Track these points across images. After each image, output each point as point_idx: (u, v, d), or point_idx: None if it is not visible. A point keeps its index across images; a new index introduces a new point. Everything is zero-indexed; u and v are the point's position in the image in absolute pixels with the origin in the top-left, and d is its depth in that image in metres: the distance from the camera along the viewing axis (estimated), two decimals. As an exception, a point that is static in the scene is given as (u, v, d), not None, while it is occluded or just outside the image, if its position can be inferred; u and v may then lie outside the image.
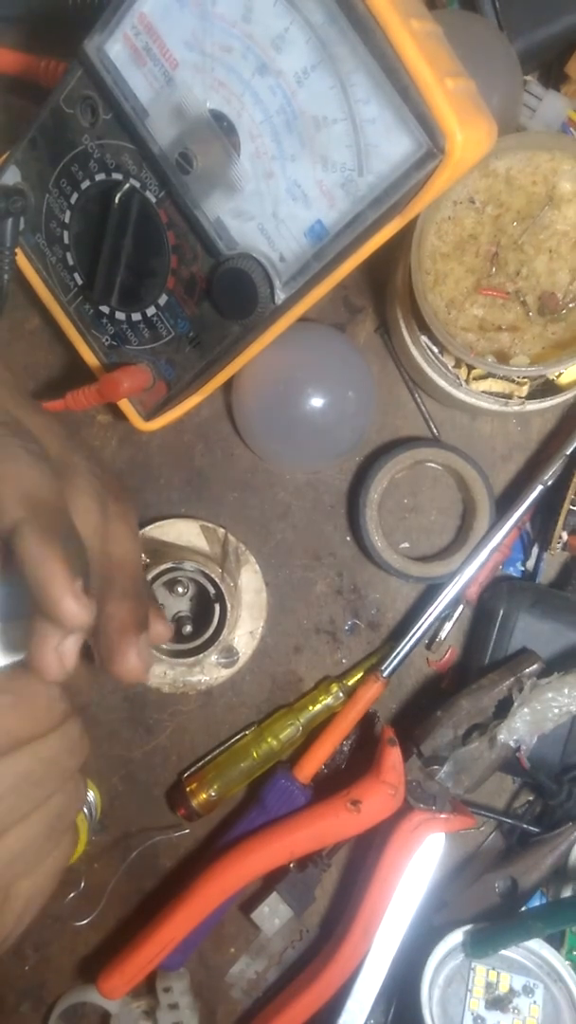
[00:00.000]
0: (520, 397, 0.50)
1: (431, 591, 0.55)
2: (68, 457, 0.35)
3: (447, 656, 0.56)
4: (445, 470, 0.55)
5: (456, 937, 0.51)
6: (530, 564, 0.55)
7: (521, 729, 0.49)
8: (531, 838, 0.53)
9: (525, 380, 0.50)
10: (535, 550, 0.55)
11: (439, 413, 0.55)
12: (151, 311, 0.48)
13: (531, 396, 0.50)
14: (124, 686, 0.31)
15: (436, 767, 0.51)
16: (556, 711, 0.49)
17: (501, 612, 0.52)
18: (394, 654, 0.53)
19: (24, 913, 0.34)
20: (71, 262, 0.49)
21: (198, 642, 0.49)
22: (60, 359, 0.55)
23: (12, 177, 0.48)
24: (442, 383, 0.51)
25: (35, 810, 0.33)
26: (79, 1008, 0.56)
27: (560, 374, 0.50)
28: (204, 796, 0.53)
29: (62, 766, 0.33)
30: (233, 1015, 0.56)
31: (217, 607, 0.49)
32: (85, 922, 0.56)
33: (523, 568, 0.55)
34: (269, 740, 0.54)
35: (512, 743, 0.50)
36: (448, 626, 0.55)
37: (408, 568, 0.53)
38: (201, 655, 0.49)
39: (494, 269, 0.49)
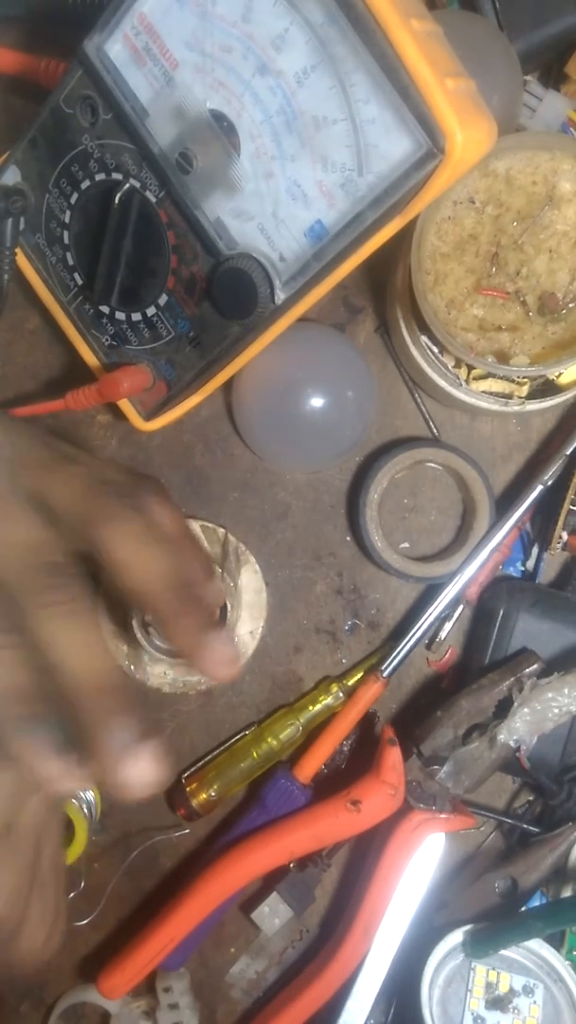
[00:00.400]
0: (520, 397, 0.50)
1: (431, 591, 0.55)
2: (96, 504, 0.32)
3: (447, 656, 0.56)
4: (445, 470, 0.55)
5: (456, 937, 0.51)
6: (530, 564, 0.55)
7: (521, 729, 0.49)
8: (531, 838, 0.53)
9: (525, 380, 0.50)
10: (535, 550, 0.55)
11: (439, 413, 0.55)
12: (151, 311, 0.48)
13: (531, 396, 0.50)
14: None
15: (436, 767, 0.51)
16: (556, 711, 0.49)
17: (501, 612, 0.52)
18: (394, 654, 0.53)
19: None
20: (71, 262, 0.49)
21: (198, 642, 0.49)
22: (60, 359, 0.55)
23: (12, 177, 0.48)
24: (442, 383, 0.51)
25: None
26: (79, 1008, 0.56)
27: (560, 374, 0.50)
28: (204, 796, 0.53)
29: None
30: (233, 1015, 0.56)
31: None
32: (85, 922, 0.56)
33: (523, 568, 0.55)
34: (269, 740, 0.54)
35: (512, 743, 0.50)
36: (448, 626, 0.55)
37: (408, 568, 0.53)
38: (201, 655, 0.48)
39: (494, 269, 0.49)
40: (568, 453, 0.52)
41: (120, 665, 0.54)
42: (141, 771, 0.28)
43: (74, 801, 0.53)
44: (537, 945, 0.51)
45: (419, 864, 0.51)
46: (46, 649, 0.28)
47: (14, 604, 0.28)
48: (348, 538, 0.56)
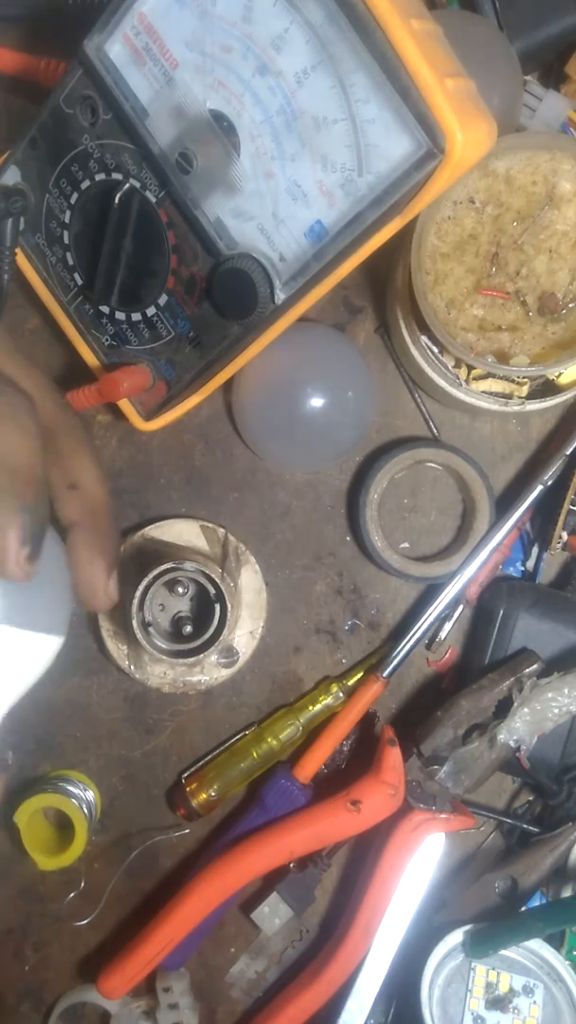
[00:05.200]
0: (520, 397, 0.50)
1: (431, 591, 0.55)
2: (61, 416, 0.38)
3: (447, 656, 0.56)
4: (445, 470, 0.55)
5: (456, 937, 0.51)
6: (530, 564, 0.55)
7: (521, 729, 0.49)
8: (531, 838, 0.53)
9: (525, 380, 0.50)
10: (535, 550, 0.55)
11: (439, 413, 0.55)
12: (151, 311, 0.48)
13: (531, 396, 0.50)
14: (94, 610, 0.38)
15: (436, 767, 0.51)
16: (556, 711, 0.49)
17: (501, 612, 0.52)
18: (394, 654, 0.53)
19: None
20: (71, 262, 0.49)
21: (198, 642, 0.49)
22: (60, 359, 0.55)
23: (12, 177, 0.48)
24: (442, 383, 0.51)
25: None
26: (79, 1008, 0.56)
27: (560, 374, 0.50)
28: (204, 796, 0.53)
29: None
30: (233, 1015, 0.56)
31: (217, 607, 0.49)
32: (85, 922, 0.56)
33: (523, 568, 0.55)
34: (269, 740, 0.54)
35: (512, 743, 0.50)
36: (448, 626, 0.55)
37: (408, 568, 0.53)
38: (201, 655, 0.48)
39: (494, 269, 0.49)
40: (568, 453, 0.52)
41: (122, 666, 0.54)
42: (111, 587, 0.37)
43: (74, 801, 0.53)
44: (537, 945, 0.51)
45: (419, 864, 0.51)
46: (71, 468, 0.38)
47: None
48: (348, 538, 0.56)
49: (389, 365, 0.55)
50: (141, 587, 0.48)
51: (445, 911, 0.53)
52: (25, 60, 0.52)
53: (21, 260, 0.50)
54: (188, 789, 0.54)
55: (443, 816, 0.51)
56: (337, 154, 0.40)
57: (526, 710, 0.49)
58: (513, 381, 0.50)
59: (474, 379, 0.50)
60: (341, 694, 0.54)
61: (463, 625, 0.56)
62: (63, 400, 0.40)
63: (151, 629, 0.49)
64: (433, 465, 0.55)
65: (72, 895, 0.55)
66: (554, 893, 0.53)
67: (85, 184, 0.46)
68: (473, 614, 0.55)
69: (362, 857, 0.54)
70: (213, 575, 0.48)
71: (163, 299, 0.47)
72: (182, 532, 0.54)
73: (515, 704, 0.50)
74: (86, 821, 0.53)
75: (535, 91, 0.52)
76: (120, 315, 0.49)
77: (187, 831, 0.56)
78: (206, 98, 0.42)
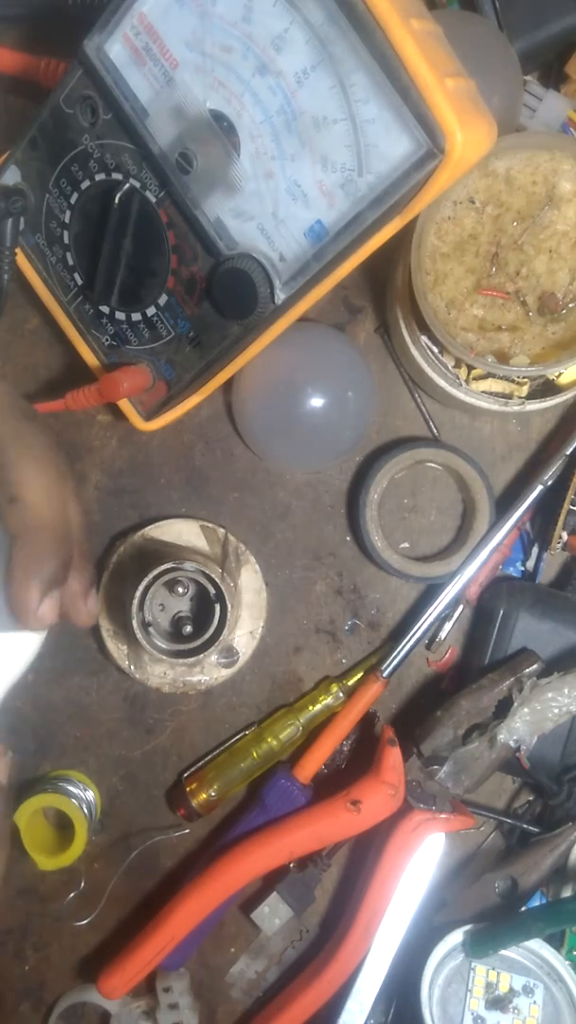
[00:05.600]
0: (520, 397, 0.50)
1: (431, 591, 0.55)
2: (9, 425, 0.38)
3: (447, 656, 0.56)
4: (445, 470, 0.55)
5: (456, 937, 0.51)
6: (530, 564, 0.55)
7: (521, 729, 0.49)
8: (531, 838, 0.53)
9: (525, 380, 0.50)
10: (535, 550, 0.55)
11: (439, 413, 0.55)
12: (151, 311, 0.48)
13: (531, 396, 0.50)
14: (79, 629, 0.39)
15: (436, 767, 0.51)
16: (556, 711, 0.49)
17: (501, 612, 0.52)
18: (394, 654, 0.53)
19: None
20: (71, 262, 0.49)
21: (198, 642, 0.49)
22: (60, 359, 0.55)
23: (12, 177, 0.48)
24: (442, 383, 0.51)
25: None
26: (79, 1008, 0.56)
27: (560, 374, 0.50)
28: (204, 796, 0.53)
29: None
30: (233, 1015, 0.56)
31: (217, 607, 0.49)
32: (85, 922, 0.56)
33: (523, 568, 0.55)
34: (269, 740, 0.54)
35: (512, 743, 0.50)
36: (448, 626, 0.55)
37: (408, 568, 0.53)
38: (201, 655, 0.48)
39: (494, 269, 0.49)
40: (568, 453, 0.52)
41: (121, 666, 0.54)
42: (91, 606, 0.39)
43: (74, 801, 0.53)
44: (537, 945, 0.51)
45: (419, 864, 0.51)
46: (12, 479, 0.37)
47: None
48: (348, 538, 0.56)
49: (389, 365, 0.55)
50: (141, 587, 0.48)
51: (445, 911, 0.53)
52: (25, 60, 0.52)
53: (21, 260, 0.50)
54: (188, 789, 0.54)
55: (443, 816, 0.51)
56: (337, 154, 0.40)
57: (526, 710, 0.49)
58: (513, 381, 0.50)
59: (474, 379, 0.50)
60: (341, 694, 0.54)
61: (463, 625, 0.56)
62: (10, 401, 0.38)
63: (151, 629, 0.49)
64: (433, 465, 0.55)
65: (72, 895, 0.55)
66: (554, 893, 0.53)
67: (85, 184, 0.46)
68: (473, 614, 0.55)
69: (362, 857, 0.54)
70: (213, 575, 0.48)
71: (163, 299, 0.47)
72: (182, 532, 0.54)
73: (515, 704, 0.50)
74: (86, 821, 0.53)
75: (535, 91, 0.52)
76: (120, 315, 0.49)
77: (187, 831, 0.56)
78: (206, 98, 0.42)
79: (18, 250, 0.50)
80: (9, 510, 0.36)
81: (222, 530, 0.54)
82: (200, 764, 0.56)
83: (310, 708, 0.54)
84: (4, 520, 0.37)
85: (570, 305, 0.49)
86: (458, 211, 0.49)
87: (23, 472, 0.37)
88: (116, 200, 0.45)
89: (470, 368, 0.50)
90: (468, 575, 0.53)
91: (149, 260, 0.46)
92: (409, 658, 0.54)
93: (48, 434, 0.39)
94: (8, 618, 0.39)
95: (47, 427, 0.40)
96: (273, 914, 0.54)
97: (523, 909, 0.51)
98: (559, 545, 0.53)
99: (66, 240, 0.48)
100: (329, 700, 0.54)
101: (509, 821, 0.54)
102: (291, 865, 0.53)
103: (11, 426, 0.38)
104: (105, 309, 0.49)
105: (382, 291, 0.55)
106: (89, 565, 0.39)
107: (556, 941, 0.53)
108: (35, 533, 0.36)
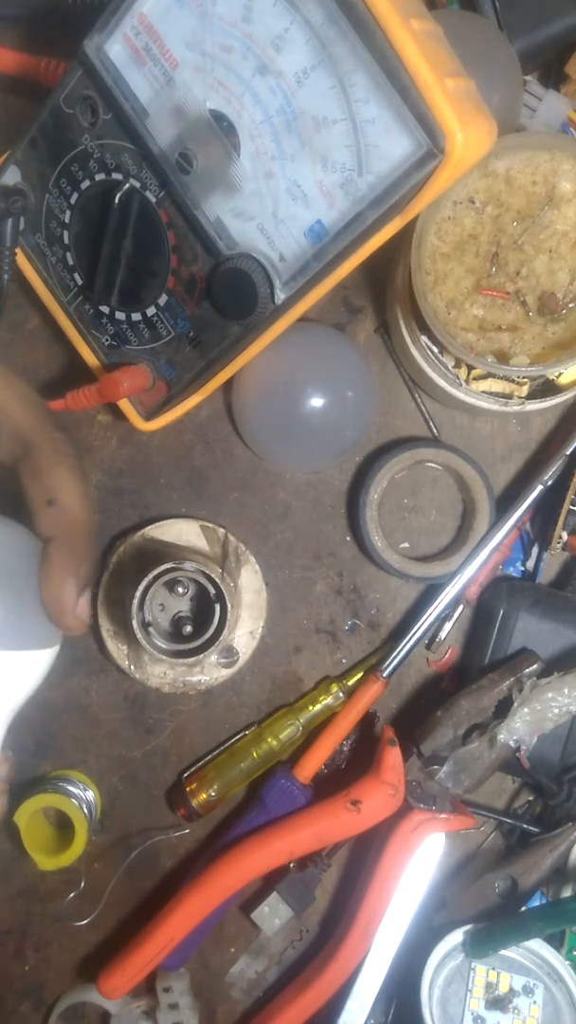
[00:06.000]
0: (520, 397, 0.50)
1: (431, 591, 0.55)
2: (41, 429, 0.39)
3: (447, 656, 0.56)
4: (445, 470, 0.55)
5: (456, 937, 0.51)
6: (530, 564, 0.55)
7: (521, 729, 0.49)
8: (531, 838, 0.53)
9: (525, 380, 0.50)
10: (535, 550, 0.55)
11: (439, 413, 0.55)
12: (151, 311, 0.48)
13: (531, 396, 0.50)
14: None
15: (436, 767, 0.51)
16: (556, 711, 0.49)
17: (501, 612, 0.52)
18: (394, 654, 0.53)
19: None
20: (71, 262, 0.49)
21: (198, 642, 0.49)
22: (60, 359, 0.55)
23: (12, 177, 0.48)
24: (442, 383, 0.51)
25: None
26: (79, 1008, 0.56)
27: (560, 374, 0.50)
28: (204, 796, 0.53)
29: None
30: (233, 1015, 0.56)
31: (217, 607, 0.49)
32: (85, 922, 0.56)
33: (523, 568, 0.55)
34: (269, 740, 0.54)
35: (512, 743, 0.50)
36: (448, 626, 0.55)
37: (408, 568, 0.53)
38: (201, 655, 0.48)
39: (494, 269, 0.49)
40: (568, 453, 0.52)
41: (122, 666, 0.54)
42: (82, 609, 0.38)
43: (74, 801, 0.53)
44: (537, 945, 0.51)
45: (419, 864, 0.51)
46: (49, 484, 0.38)
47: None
48: (348, 538, 0.56)
49: (389, 365, 0.55)
50: (141, 587, 0.48)
51: (445, 911, 0.53)
52: (25, 60, 0.52)
53: (21, 260, 0.50)
54: (188, 789, 0.54)
55: (443, 816, 0.51)
56: (337, 154, 0.40)
57: (526, 710, 0.49)
58: (513, 381, 0.50)
59: (474, 379, 0.50)
60: (341, 694, 0.54)
61: (463, 625, 0.56)
62: (45, 411, 0.40)
63: (151, 629, 0.49)
64: (433, 465, 0.55)
65: (72, 895, 0.55)
66: (554, 893, 0.53)
67: (85, 184, 0.46)
68: (473, 614, 0.55)
69: (362, 857, 0.54)
70: (213, 575, 0.48)
71: (163, 299, 0.47)
72: (182, 532, 0.54)
73: (515, 704, 0.50)
74: (86, 821, 0.53)
75: (535, 91, 0.52)
76: (120, 315, 0.49)
77: (187, 831, 0.56)
78: (206, 98, 0.42)
79: (18, 250, 0.50)
80: (47, 513, 0.38)
81: (222, 530, 0.54)
82: (200, 764, 0.56)
83: (310, 708, 0.54)
84: (40, 522, 0.38)
85: (570, 305, 0.49)
86: (458, 211, 0.49)
87: (61, 477, 0.38)
88: (116, 200, 0.45)
89: (470, 368, 0.50)
90: (468, 575, 0.53)
91: (149, 260, 0.46)
92: (409, 658, 0.54)
93: (75, 446, 0.40)
94: (31, 631, 0.39)
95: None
96: (273, 914, 0.54)
97: (523, 909, 0.51)
98: (559, 545, 0.53)
99: (66, 240, 0.48)
100: (329, 700, 0.54)
101: (509, 821, 0.54)
102: (291, 865, 0.53)
103: (48, 435, 0.39)
104: (105, 309, 0.49)
105: (382, 291, 0.55)
106: (88, 568, 0.40)
107: (556, 941, 0.53)
108: (71, 535, 0.38)
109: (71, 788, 0.54)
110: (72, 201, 0.47)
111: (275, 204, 0.42)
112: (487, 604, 0.54)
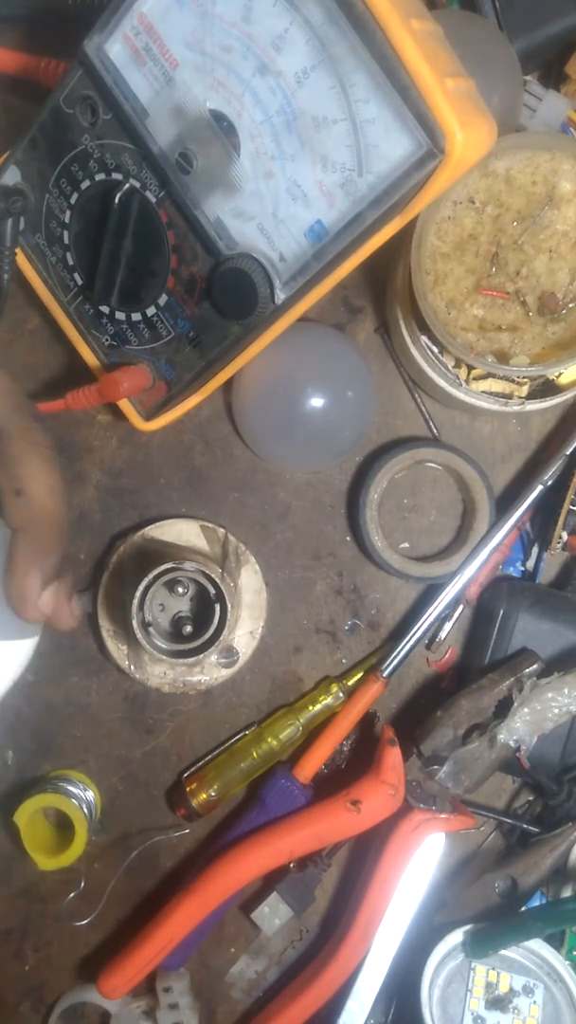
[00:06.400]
0: (520, 397, 0.50)
1: (431, 591, 0.55)
2: (13, 418, 0.38)
3: (447, 656, 0.56)
4: (445, 470, 0.55)
5: (456, 937, 0.51)
6: (530, 564, 0.55)
7: (521, 729, 0.49)
8: (531, 838, 0.53)
9: (525, 380, 0.50)
10: (535, 550, 0.55)
11: (439, 413, 0.55)
12: (151, 311, 0.48)
13: (531, 396, 0.50)
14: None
15: (436, 767, 0.51)
16: (556, 711, 0.49)
17: (501, 612, 0.52)
18: (394, 654, 0.53)
19: None
20: (71, 262, 0.49)
21: (198, 642, 0.49)
22: (60, 359, 0.55)
23: (12, 177, 0.48)
24: (442, 383, 0.51)
25: None
26: (79, 1008, 0.56)
27: (560, 374, 0.50)
28: (204, 796, 0.53)
29: None
30: (233, 1015, 0.56)
31: (217, 607, 0.49)
32: (85, 922, 0.56)
33: (523, 568, 0.55)
34: (269, 740, 0.54)
35: (512, 743, 0.50)
36: (448, 626, 0.55)
37: (408, 568, 0.53)
38: (201, 655, 0.48)
39: (494, 269, 0.49)
40: (568, 453, 0.52)
41: (122, 665, 0.54)
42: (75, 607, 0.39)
43: (74, 801, 0.53)
44: (537, 945, 0.51)
45: (419, 864, 0.51)
46: (17, 473, 0.37)
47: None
48: (348, 538, 0.56)
49: (389, 365, 0.55)
50: (141, 587, 0.48)
51: (445, 911, 0.53)
52: (25, 60, 0.52)
53: (21, 260, 0.50)
54: (188, 789, 0.54)
55: (443, 816, 0.51)
56: (337, 154, 0.40)
57: (526, 710, 0.49)
58: (513, 381, 0.50)
59: (474, 379, 0.50)
60: (341, 694, 0.54)
61: (463, 625, 0.56)
62: (21, 400, 0.39)
63: (151, 629, 0.49)
64: (433, 465, 0.55)
65: (72, 895, 0.55)
66: (554, 893, 0.53)
67: (85, 184, 0.46)
68: (473, 614, 0.55)
69: (362, 857, 0.54)
70: (213, 575, 0.48)
71: (163, 299, 0.47)
72: (182, 532, 0.54)
73: (515, 704, 0.50)
74: (86, 821, 0.53)
75: (535, 91, 0.52)
76: (120, 315, 0.49)
77: (187, 831, 0.56)
78: (206, 98, 0.42)
79: (18, 250, 0.50)
80: (14, 503, 0.37)
81: (222, 530, 0.54)
82: (200, 764, 0.56)
83: (310, 708, 0.54)
84: (8, 512, 0.37)
85: (570, 305, 0.49)
86: (458, 211, 0.49)
87: (30, 467, 0.37)
88: (116, 200, 0.45)
89: (470, 368, 0.50)
90: (468, 575, 0.53)
91: (149, 260, 0.46)
92: (409, 658, 0.54)
93: (52, 437, 0.40)
94: (7, 622, 0.39)
95: (48, 429, 0.41)
96: (273, 914, 0.54)
97: (523, 909, 0.51)
98: (559, 545, 0.53)
99: (66, 240, 0.48)
100: (329, 700, 0.54)
101: (509, 821, 0.54)
102: (291, 865, 0.53)
103: (21, 423, 0.38)
104: (105, 309, 0.49)
105: (382, 291, 0.55)
106: (54, 560, 0.39)
107: (556, 941, 0.53)
108: (38, 526, 0.37)
109: (71, 788, 0.54)
110: (72, 201, 0.47)
111: (275, 204, 0.42)
112: (487, 604, 0.54)
